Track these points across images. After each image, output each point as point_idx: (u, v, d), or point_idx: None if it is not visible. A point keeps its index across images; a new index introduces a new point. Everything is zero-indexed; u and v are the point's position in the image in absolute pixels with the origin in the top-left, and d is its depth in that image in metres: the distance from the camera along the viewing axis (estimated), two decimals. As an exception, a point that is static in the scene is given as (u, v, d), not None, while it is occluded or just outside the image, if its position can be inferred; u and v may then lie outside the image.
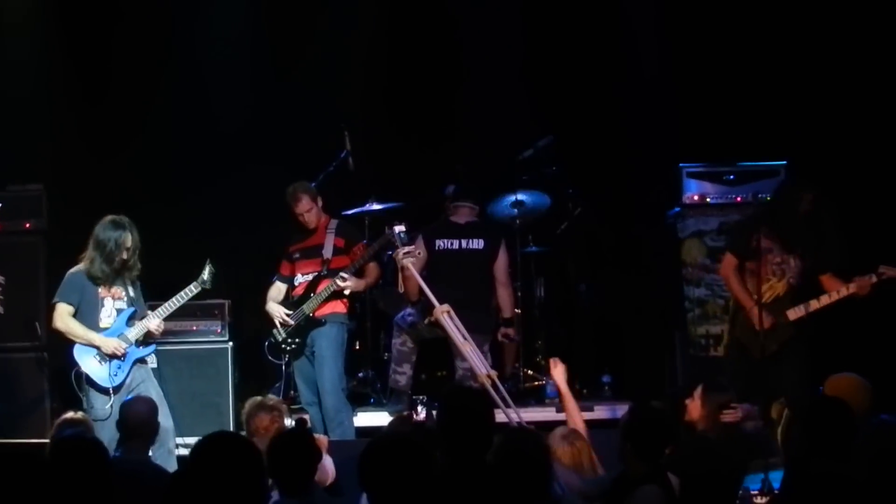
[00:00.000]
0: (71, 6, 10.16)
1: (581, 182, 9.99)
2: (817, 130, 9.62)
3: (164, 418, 7.59)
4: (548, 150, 9.75)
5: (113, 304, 7.96)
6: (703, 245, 9.28)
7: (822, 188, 8.09)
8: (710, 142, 9.69)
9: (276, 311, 8.72)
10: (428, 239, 9.04)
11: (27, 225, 9.11)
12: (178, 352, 9.01)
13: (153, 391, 7.85)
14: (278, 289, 8.87)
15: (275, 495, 5.27)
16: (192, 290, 8.12)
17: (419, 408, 7.46)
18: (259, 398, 6.76)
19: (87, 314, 7.91)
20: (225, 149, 10.09)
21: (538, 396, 9.43)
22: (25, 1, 10.11)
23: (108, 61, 10.17)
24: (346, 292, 8.61)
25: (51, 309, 8.05)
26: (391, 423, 6.61)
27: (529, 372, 9.78)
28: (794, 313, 7.91)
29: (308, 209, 8.73)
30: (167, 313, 8.08)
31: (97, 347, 7.85)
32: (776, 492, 6.14)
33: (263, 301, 8.85)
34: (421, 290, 8.16)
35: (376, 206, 9.55)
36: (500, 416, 6.32)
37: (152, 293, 8.26)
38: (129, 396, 7.49)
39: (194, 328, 9.12)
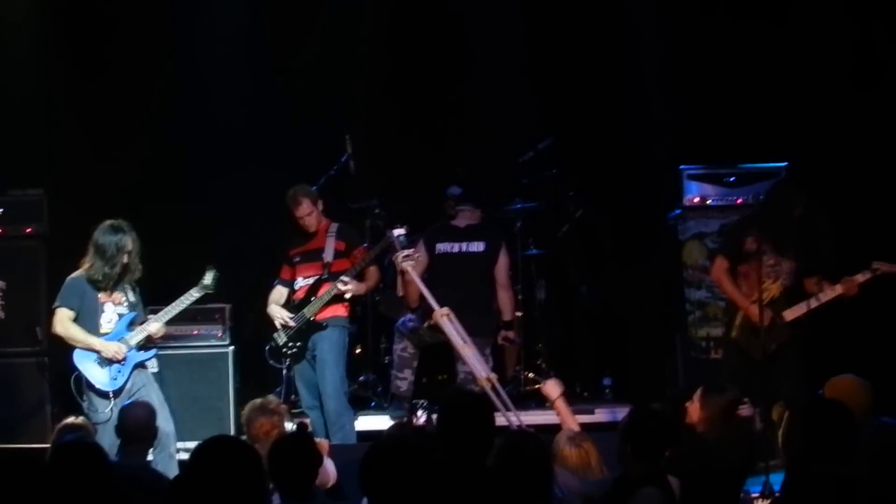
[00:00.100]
0: (70, 9, 10.15)
1: (582, 184, 9.99)
2: (818, 132, 9.62)
3: (166, 423, 7.60)
4: (548, 152, 9.77)
5: (113, 308, 7.96)
6: (704, 247, 9.27)
7: (813, 190, 8.11)
8: (710, 144, 9.69)
9: (278, 313, 8.72)
10: (428, 242, 9.05)
11: (28, 230, 9.12)
12: (179, 356, 9.02)
13: (154, 396, 7.85)
14: (280, 292, 8.87)
15: (276, 499, 5.27)
16: (194, 294, 8.12)
17: (419, 412, 7.47)
18: (259, 401, 6.74)
19: (87, 319, 7.91)
20: (225, 151, 10.10)
21: (539, 399, 9.40)
22: (25, 4, 10.11)
23: (108, 65, 10.16)
24: (347, 296, 8.61)
25: (51, 314, 8.05)
26: (389, 429, 6.61)
27: (530, 375, 9.77)
28: (791, 313, 7.92)
29: (308, 213, 8.73)
30: (167, 318, 8.08)
31: (97, 352, 7.86)
32: (777, 494, 6.15)
33: (264, 305, 8.86)
34: (421, 294, 8.16)
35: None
36: (500, 420, 6.32)
37: (153, 297, 8.26)
38: (129, 401, 7.50)
39: (195, 332, 9.13)
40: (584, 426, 6.75)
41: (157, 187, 9.93)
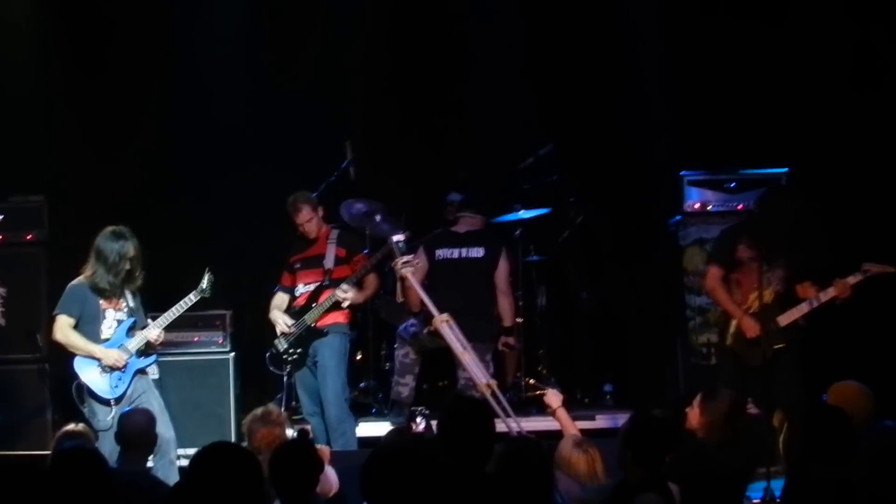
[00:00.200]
0: (70, 10, 10.15)
1: (582, 190, 9.99)
2: (818, 133, 9.62)
3: (166, 429, 7.60)
4: (549, 158, 9.77)
5: (114, 315, 7.96)
6: (705, 253, 9.22)
7: (809, 194, 8.12)
8: (711, 150, 9.69)
9: (280, 319, 8.72)
10: (428, 248, 9.06)
11: (28, 236, 9.12)
12: (179, 362, 9.03)
13: (154, 402, 7.85)
14: (281, 298, 8.86)
15: (276, 505, 5.27)
16: (192, 299, 8.11)
17: (418, 419, 7.46)
18: (259, 412, 6.71)
19: (88, 326, 7.91)
20: (226, 155, 10.10)
21: (540, 405, 9.38)
22: (24, 7, 10.11)
23: (108, 66, 10.16)
24: (344, 305, 8.60)
25: (52, 320, 8.05)
26: (388, 435, 6.59)
27: (531, 381, 9.75)
28: (785, 318, 7.92)
29: (308, 219, 8.73)
30: (166, 323, 8.08)
31: (98, 359, 7.85)
32: (778, 500, 6.15)
33: (265, 310, 8.86)
34: (422, 300, 8.16)
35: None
36: (500, 426, 6.31)
37: (152, 301, 8.25)
38: (129, 408, 7.50)
39: (196, 339, 9.14)
40: (584, 432, 6.75)
41: (157, 190, 9.94)
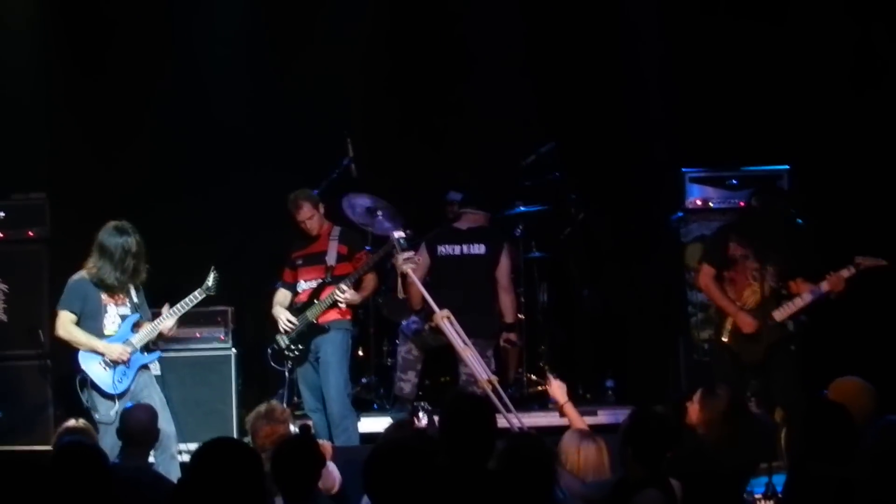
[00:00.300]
0: (70, 10, 10.16)
1: (584, 187, 10.00)
2: (818, 133, 9.62)
3: (167, 424, 7.60)
4: (550, 155, 9.78)
5: (116, 310, 7.96)
6: (706, 250, 9.27)
7: (792, 196, 8.14)
8: (712, 146, 9.69)
9: (282, 315, 8.73)
10: (430, 245, 9.07)
11: (30, 233, 9.13)
12: (181, 359, 9.03)
13: (156, 397, 7.86)
14: (283, 294, 8.87)
15: (279, 501, 5.27)
16: (197, 296, 8.12)
17: (420, 414, 7.46)
18: (263, 409, 6.69)
19: (90, 321, 7.91)
20: (227, 154, 10.11)
21: (541, 401, 9.42)
22: (25, 8, 10.12)
23: (108, 66, 10.17)
24: (342, 305, 8.60)
25: (54, 317, 8.05)
26: (387, 430, 6.59)
27: (532, 377, 9.78)
28: (780, 314, 7.94)
29: (309, 216, 8.73)
30: (177, 315, 8.07)
31: (101, 354, 7.86)
32: (780, 495, 6.15)
33: (268, 307, 8.86)
34: (423, 296, 8.17)
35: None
36: (500, 422, 6.31)
37: (154, 299, 8.25)
38: (131, 403, 7.50)
39: (198, 335, 9.14)
40: (586, 427, 6.75)
41: (158, 189, 9.94)
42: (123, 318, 7.96)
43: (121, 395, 7.82)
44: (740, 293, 7.99)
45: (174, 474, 7.19)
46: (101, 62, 10.17)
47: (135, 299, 8.01)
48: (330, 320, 8.64)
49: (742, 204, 9.21)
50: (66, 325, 7.91)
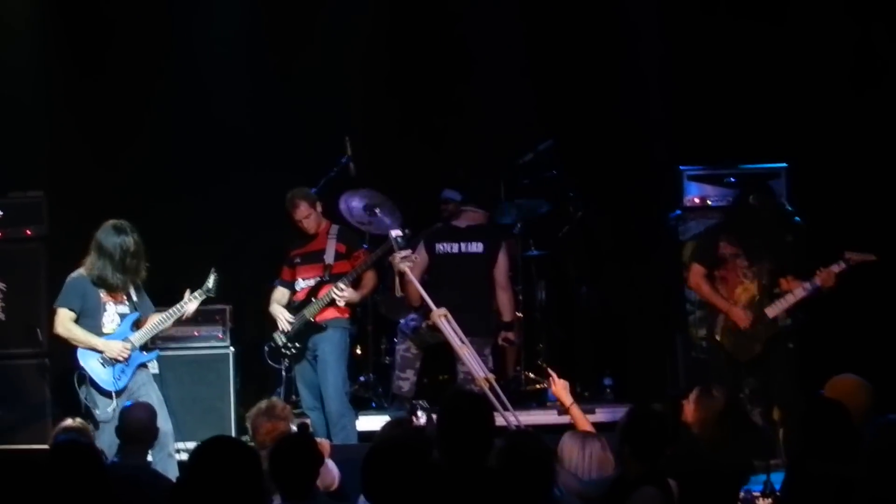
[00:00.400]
0: (70, 10, 10.15)
1: (582, 185, 10.00)
2: (818, 132, 9.62)
3: (164, 422, 7.61)
4: (548, 153, 9.78)
5: (115, 308, 7.98)
6: (704, 248, 9.25)
7: (780, 194, 8.15)
8: (710, 144, 9.70)
9: (279, 313, 8.73)
10: (428, 243, 9.08)
11: (28, 232, 9.11)
12: (179, 357, 9.03)
13: (153, 394, 7.88)
14: (281, 293, 8.88)
15: (277, 500, 5.27)
16: (197, 297, 8.13)
17: (419, 412, 7.46)
18: (264, 405, 6.67)
19: (88, 319, 7.92)
20: (226, 153, 10.10)
21: (540, 399, 9.44)
22: (24, 7, 10.12)
23: (108, 66, 10.16)
24: (341, 304, 8.60)
25: (52, 315, 8.06)
26: (384, 428, 6.58)
27: (531, 375, 9.78)
28: (773, 310, 7.96)
29: (307, 215, 8.74)
30: (185, 310, 8.07)
31: (100, 351, 7.86)
32: (778, 493, 6.15)
33: (265, 306, 8.87)
34: (420, 294, 8.17)
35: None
36: (498, 420, 6.31)
37: (154, 298, 8.26)
38: (130, 401, 7.50)
39: (196, 333, 9.14)
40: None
41: (157, 189, 9.94)
42: (122, 316, 7.98)
43: (119, 393, 7.83)
44: (732, 291, 8.02)
45: (172, 473, 7.19)
46: (101, 62, 10.17)
47: (134, 298, 8.02)
48: (328, 318, 8.64)
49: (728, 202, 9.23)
50: (64, 322, 7.92)
